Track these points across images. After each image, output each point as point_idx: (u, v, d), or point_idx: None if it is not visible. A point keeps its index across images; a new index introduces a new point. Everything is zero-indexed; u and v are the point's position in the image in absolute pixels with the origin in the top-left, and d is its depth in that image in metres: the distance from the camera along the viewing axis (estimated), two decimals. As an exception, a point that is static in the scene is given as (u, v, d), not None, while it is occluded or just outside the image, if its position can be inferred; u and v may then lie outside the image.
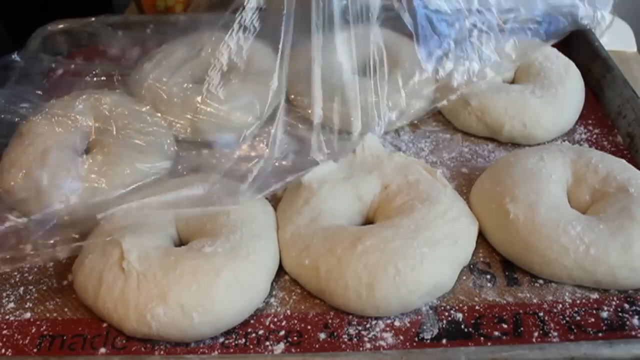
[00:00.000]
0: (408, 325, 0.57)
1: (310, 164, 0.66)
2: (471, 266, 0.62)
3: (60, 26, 0.97)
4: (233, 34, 0.73)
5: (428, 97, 0.79)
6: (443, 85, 0.78)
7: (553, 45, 0.86)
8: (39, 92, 0.76)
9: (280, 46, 0.70)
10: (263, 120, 0.75)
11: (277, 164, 0.67)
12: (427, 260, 0.57)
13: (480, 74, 0.76)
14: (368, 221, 0.66)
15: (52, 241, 0.60)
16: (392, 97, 0.75)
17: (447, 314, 0.58)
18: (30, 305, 0.60)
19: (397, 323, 0.57)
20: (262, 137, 0.75)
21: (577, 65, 0.83)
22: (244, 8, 0.71)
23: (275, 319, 0.58)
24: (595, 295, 0.59)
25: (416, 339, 0.56)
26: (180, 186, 0.62)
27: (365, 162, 0.69)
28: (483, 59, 0.77)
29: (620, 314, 0.57)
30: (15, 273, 0.63)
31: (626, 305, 0.58)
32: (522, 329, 0.56)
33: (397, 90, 0.75)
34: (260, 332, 0.57)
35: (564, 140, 0.78)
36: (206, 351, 0.56)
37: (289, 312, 0.59)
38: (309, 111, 0.73)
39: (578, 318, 0.57)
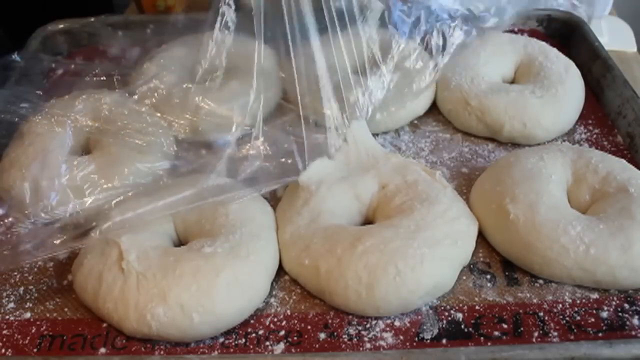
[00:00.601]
0: (408, 325, 0.57)
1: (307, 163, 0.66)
2: (471, 266, 0.62)
3: (60, 26, 0.97)
4: (222, 33, 0.73)
5: (413, 71, 0.79)
6: (422, 53, 0.78)
7: (553, 45, 0.87)
8: (39, 92, 0.76)
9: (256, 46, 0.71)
10: (262, 120, 0.75)
11: (275, 163, 0.67)
12: (427, 261, 0.57)
13: (456, 34, 0.77)
14: (367, 221, 0.66)
15: (51, 241, 0.60)
16: (373, 74, 0.74)
17: (447, 314, 0.58)
18: (30, 305, 0.60)
19: (397, 323, 0.57)
20: (261, 136, 0.74)
21: (577, 65, 0.83)
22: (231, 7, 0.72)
23: (275, 319, 0.58)
24: (595, 295, 0.59)
25: (416, 339, 0.56)
26: (178, 187, 0.62)
27: (362, 161, 0.69)
28: (452, 15, 0.77)
29: (620, 314, 0.57)
30: (15, 273, 0.63)
31: (626, 305, 0.58)
32: (522, 329, 0.56)
33: (377, 67, 0.75)
34: (260, 332, 0.57)
35: (564, 140, 0.77)
36: (206, 351, 0.56)
37: (289, 312, 0.59)
38: (307, 110, 0.73)
39: (578, 318, 0.57)
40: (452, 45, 0.78)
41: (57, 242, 0.60)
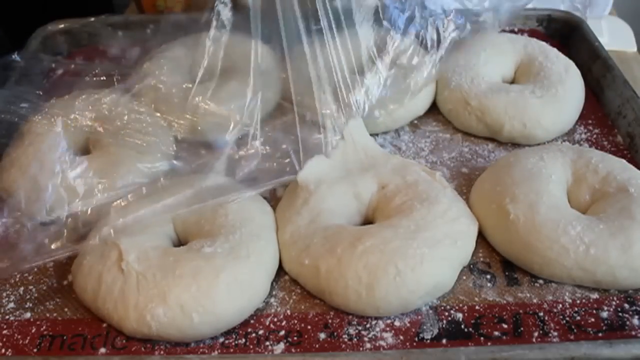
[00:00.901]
0: (408, 325, 0.57)
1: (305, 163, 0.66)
2: (471, 266, 0.62)
3: (60, 26, 0.97)
4: (219, 32, 0.73)
5: (409, 67, 0.78)
6: (418, 49, 0.78)
7: (553, 45, 0.87)
8: (39, 92, 0.76)
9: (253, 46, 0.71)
10: (262, 120, 0.75)
11: (274, 163, 0.67)
12: (427, 261, 0.57)
13: (450, 28, 0.77)
14: (367, 221, 0.66)
15: (51, 244, 0.60)
16: (370, 71, 0.74)
17: (447, 314, 0.58)
18: (30, 305, 0.60)
19: (397, 323, 0.57)
20: (260, 136, 0.74)
21: (577, 65, 0.83)
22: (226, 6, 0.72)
23: (275, 319, 0.58)
24: (595, 295, 0.59)
25: (416, 339, 0.56)
26: (176, 188, 0.62)
27: (360, 160, 0.69)
28: (446, 10, 0.77)
29: (620, 314, 0.57)
30: (15, 273, 0.63)
31: (626, 305, 0.58)
32: (522, 329, 0.56)
33: (373, 63, 0.75)
34: (260, 332, 0.57)
35: (564, 140, 0.77)
36: (206, 351, 0.56)
37: (289, 312, 0.59)
38: (305, 109, 0.73)
39: (578, 318, 0.57)
40: (446, 40, 0.78)
41: (57, 245, 0.59)
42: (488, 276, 0.62)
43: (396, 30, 0.76)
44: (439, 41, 0.78)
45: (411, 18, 0.77)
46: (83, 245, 0.60)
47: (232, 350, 0.56)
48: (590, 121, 0.81)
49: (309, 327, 0.57)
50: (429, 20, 0.77)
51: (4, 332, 0.58)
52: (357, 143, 0.70)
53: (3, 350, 0.56)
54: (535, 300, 0.59)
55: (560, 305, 0.58)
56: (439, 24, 0.77)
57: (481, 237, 0.64)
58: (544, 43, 0.86)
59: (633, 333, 0.55)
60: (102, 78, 0.82)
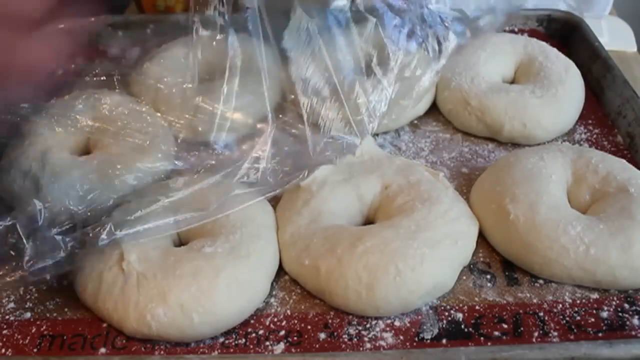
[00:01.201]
0: (408, 325, 0.57)
1: (309, 165, 0.66)
2: (471, 266, 0.62)
3: (60, 26, 0.96)
4: (228, 34, 0.73)
5: (413, 78, 0.78)
6: (421, 59, 0.77)
7: (553, 45, 0.87)
8: (39, 92, 0.76)
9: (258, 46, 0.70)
10: (263, 121, 0.75)
11: (277, 166, 0.67)
12: (427, 261, 0.57)
13: (450, 37, 0.77)
14: (368, 221, 0.66)
15: (54, 243, 0.60)
16: (375, 89, 0.74)
17: (447, 314, 0.58)
18: (30, 305, 0.60)
19: (397, 323, 0.57)
20: (262, 138, 0.74)
21: (577, 65, 0.83)
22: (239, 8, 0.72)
23: (275, 319, 0.58)
24: (595, 295, 0.59)
25: (416, 339, 0.56)
26: (191, 204, 0.61)
27: (365, 163, 0.69)
28: (444, 19, 0.77)
29: (620, 314, 0.57)
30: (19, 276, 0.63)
31: (626, 305, 0.58)
32: (522, 329, 0.56)
33: (378, 81, 0.75)
34: (260, 332, 0.57)
35: (564, 140, 0.78)
36: (206, 351, 0.56)
37: (289, 312, 0.59)
38: (308, 112, 0.73)
39: (578, 318, 0.57)
40: (448, 49, 0.78)
41: (60, 248, 0.59)
42: (488, 276, 0.62)
43: (398, 46, 0.76)
44: (440, 50, 0.78)
45: (412, 32, 0.77)
46: (86, 248, 0.60)
47: (232, 350, 0.56)
48: (590, 121, 0.81)
49: (309, 327, 0.57)
50: (429, 32, 0.77)
51: (4, 332, 0.58)
52: (365, 153, 0.70)
53: (3, 350, 0.56)
54: (535, 300, 0.59)
55: (560, 305, 0.58)
56: (439, 34, 0.77)
57: (481, 237, 0.64)
58: (544, 43, 0.86)
59: (633, 333, 0.55)
60: (102, 78, 0.82)
